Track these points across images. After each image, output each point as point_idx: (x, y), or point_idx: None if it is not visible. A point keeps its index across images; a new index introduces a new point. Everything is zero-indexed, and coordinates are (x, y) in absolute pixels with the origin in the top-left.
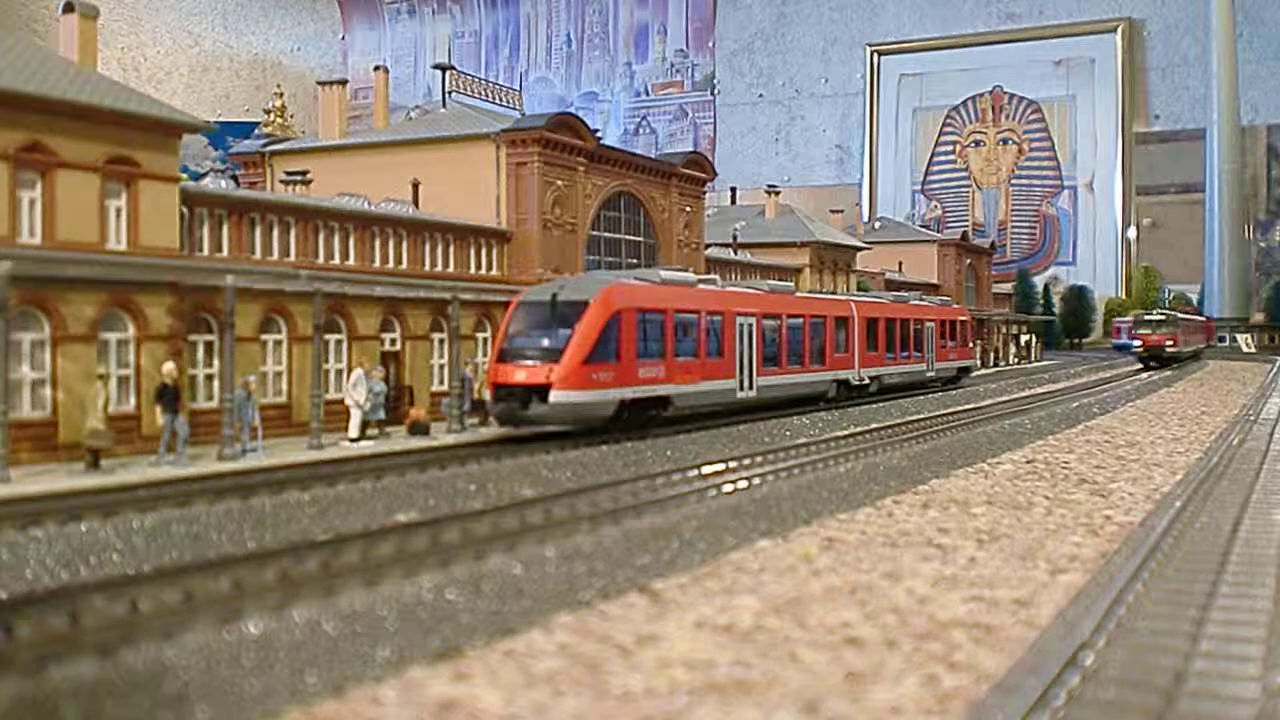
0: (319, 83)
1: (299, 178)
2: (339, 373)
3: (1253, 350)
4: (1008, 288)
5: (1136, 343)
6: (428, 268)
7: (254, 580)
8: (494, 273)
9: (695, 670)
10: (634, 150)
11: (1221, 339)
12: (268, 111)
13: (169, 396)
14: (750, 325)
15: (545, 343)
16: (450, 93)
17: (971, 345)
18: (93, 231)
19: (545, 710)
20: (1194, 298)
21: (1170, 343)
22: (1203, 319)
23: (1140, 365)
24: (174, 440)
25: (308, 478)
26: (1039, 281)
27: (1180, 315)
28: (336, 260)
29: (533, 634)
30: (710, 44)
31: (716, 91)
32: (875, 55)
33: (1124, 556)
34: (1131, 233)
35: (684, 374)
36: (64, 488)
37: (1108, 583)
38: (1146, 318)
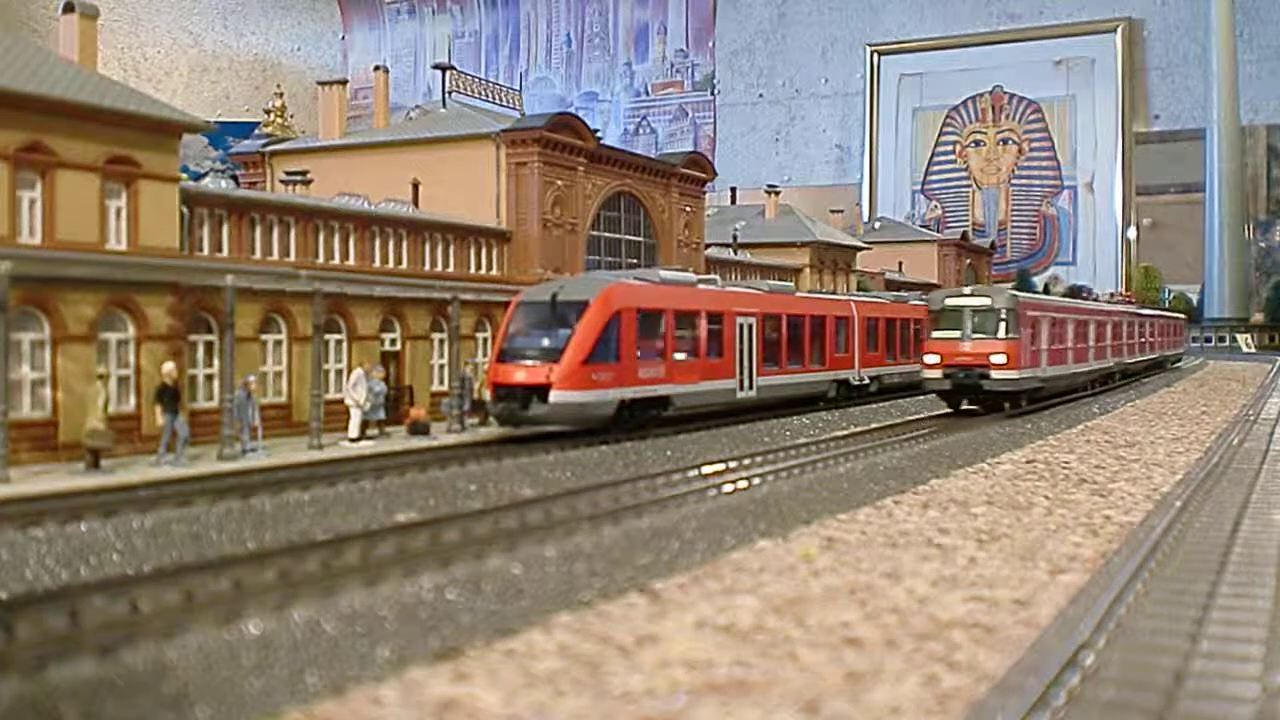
0: (319, 83)
1: (299, 178)
2: (339, 373)
3: (1253, 350)
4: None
5: (932, 357)
6: (428, 268)
7: (254, 580)
8: (494, 273)
9: (695, 670)
10: (634, 150)
11: (1206, 340)
12: (268, 111)
13: (169, 396)
14: (750, 325)
15: (545, 343)
16: (450, 93)
17: None
18: (93, 231)
19: (545, 710)
20: (1194, 298)
21: (1003, 359)
22: (1153, 313)
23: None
24: (174, 440)
25: (308, 478)
26: (1039, 281)
27: (1031, 300)
28: (336, 260)
29: (533, 634)
30: (710, 44)
31: (716, 91)
32: (875, 55)
33: (1124, 556)
34: (1131, 233)
35: (684, 374)
36: (64, 488)
37: (1108, 583)
38: (948, 302)
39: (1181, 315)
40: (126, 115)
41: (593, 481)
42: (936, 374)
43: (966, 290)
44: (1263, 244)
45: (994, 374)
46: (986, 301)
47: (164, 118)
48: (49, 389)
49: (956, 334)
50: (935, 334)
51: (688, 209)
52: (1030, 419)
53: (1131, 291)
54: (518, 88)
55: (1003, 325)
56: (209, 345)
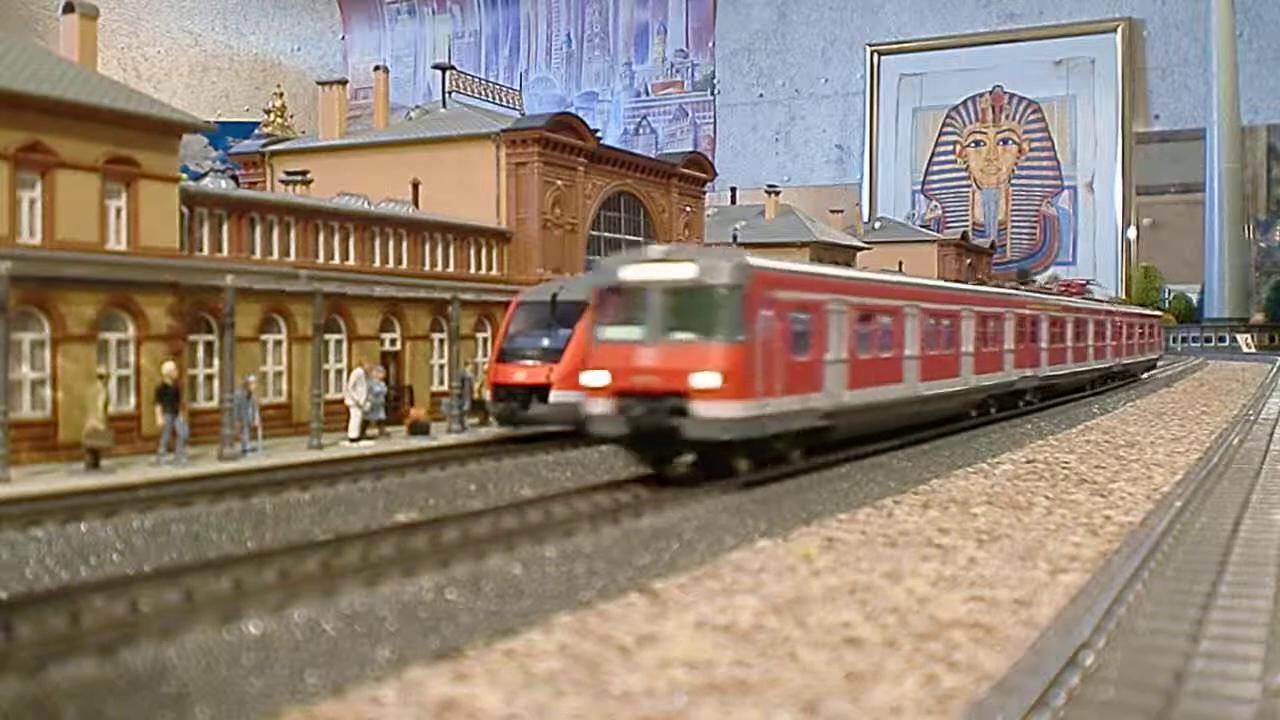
0: (319, 83)
1: (299, 178)
2: (339, 373)
3: (1252, 350)
4: None
5: (595, 376)
6: (428, 268)
7: (254, 580)
8: (494, 273)
9: (695, 670)
10: (634, 150)
11: (1206, 340)
12: (268, 111)
13: (169, 396)
14: None
15: (545, 343)
16: (450, 93)
17: None
18: (93, 231)
19: (545, 710)
20: (1194, 298)
21: (715, 381)
22: (1110, 307)
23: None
24: (174, 440)
25: (308, 478)
26: (1039, 281)
27: (789, 273)
28: (336, 260)
29: (533, 634)
30: (710, 44)
31: (716, 91)
32: (875, 55)
33: (1124, 556)
34: (1131, 233)
35: None
36: (64, 488)
37: (1108, 583)
38: (623, 274)
39: (1157, 313)
40: (126, 115)
41: (593, 481)
42: (603, 405)
43: (656, 253)
44: (1263, 244)
45: (699, 408)
46: (689, 273)
47: (164, 118)
48: (49, 389)
49: (636, 333)
50: (603, 333)
51: (688, 209)
52: (1030, 419)
53: (1089, 280)
54: (518, 88)
55: (720, 317)
56: (209, 345)
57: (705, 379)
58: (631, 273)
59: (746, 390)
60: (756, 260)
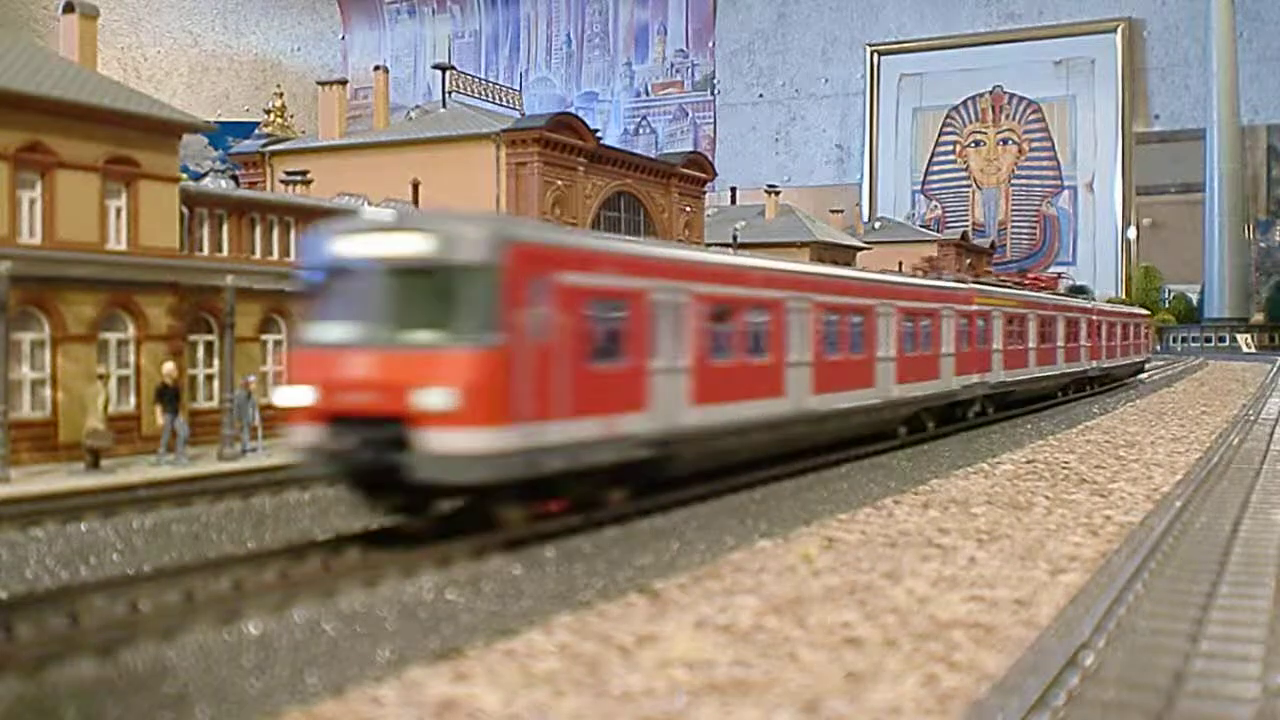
0: (319, 83)
1: (299, 178)
2: None
3: (1252, 350)
4: None
5: (298, 392)
6: None
7: (254, 580)
8: None
9: (695, 670)
10: (634, 150)
11: (1206, 340)
12: (268, 111)
13: (169, 396)
14: None
15: None
16: (450, 93)
17: None
18: (93, 231)
19: (545, 710)
20: (1194, 298)
21: (453, 400)
22: (1079, 304)
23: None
24: (174, 440)
25: (308, 478)
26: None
27: (580, 248)
28: None
29: (533, 634)
30: (710, 44)
31: (716, 91)
32: (875, 55)
33: (1124, 556)
34: (1131, 233)
35: None
36: (64, 488)
37: (1108, 583)
38: (339, 248)
39: (1144, 311)
40: (126, 115)
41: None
42: (309, 433)
43: (382, 218)
44: (1263, 244)
45: (431, 439)
46: (422, 246)
47: (164, 118)
48: (49, 389)
49: (349, 332)
50: (310, 333)
51: (688, 209)
52: (1030, 419)
53: (1060, 274)
54: (518, 88)
55: (463, 309)
56: (209, 345)
57: (437, 397)
58: (348, 246)
59: (502, 412)
60: (526, 229)
